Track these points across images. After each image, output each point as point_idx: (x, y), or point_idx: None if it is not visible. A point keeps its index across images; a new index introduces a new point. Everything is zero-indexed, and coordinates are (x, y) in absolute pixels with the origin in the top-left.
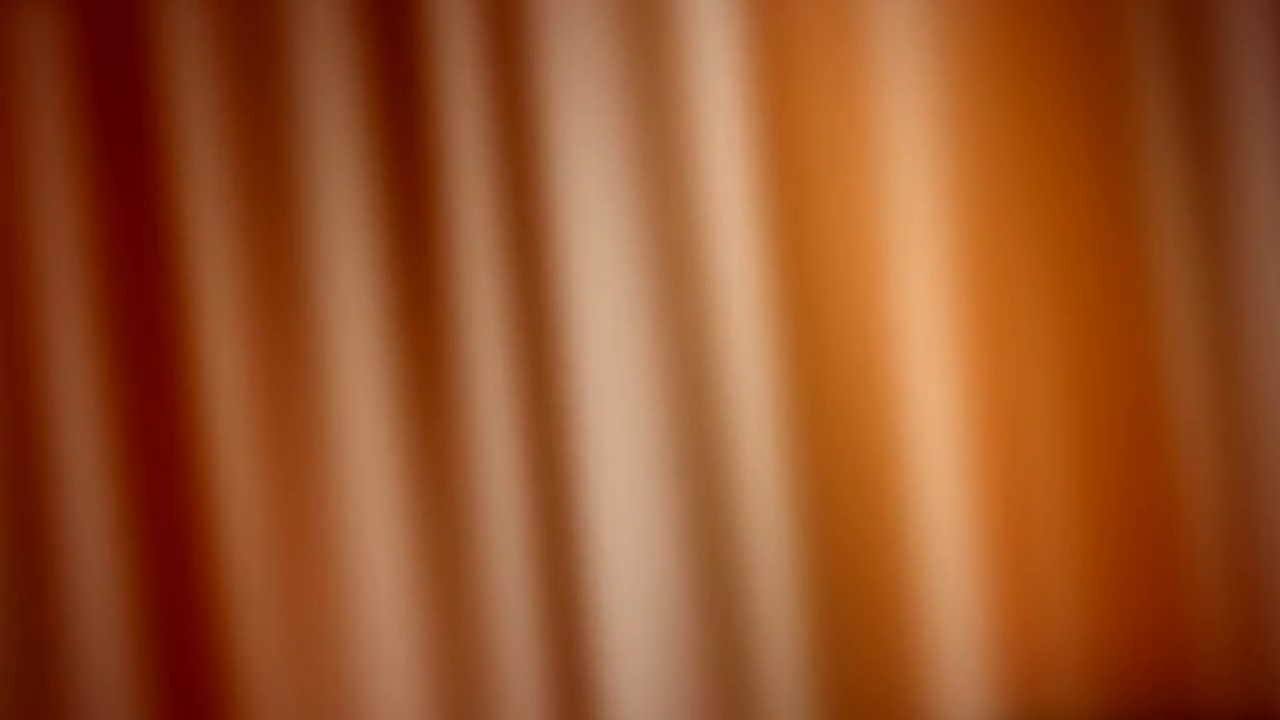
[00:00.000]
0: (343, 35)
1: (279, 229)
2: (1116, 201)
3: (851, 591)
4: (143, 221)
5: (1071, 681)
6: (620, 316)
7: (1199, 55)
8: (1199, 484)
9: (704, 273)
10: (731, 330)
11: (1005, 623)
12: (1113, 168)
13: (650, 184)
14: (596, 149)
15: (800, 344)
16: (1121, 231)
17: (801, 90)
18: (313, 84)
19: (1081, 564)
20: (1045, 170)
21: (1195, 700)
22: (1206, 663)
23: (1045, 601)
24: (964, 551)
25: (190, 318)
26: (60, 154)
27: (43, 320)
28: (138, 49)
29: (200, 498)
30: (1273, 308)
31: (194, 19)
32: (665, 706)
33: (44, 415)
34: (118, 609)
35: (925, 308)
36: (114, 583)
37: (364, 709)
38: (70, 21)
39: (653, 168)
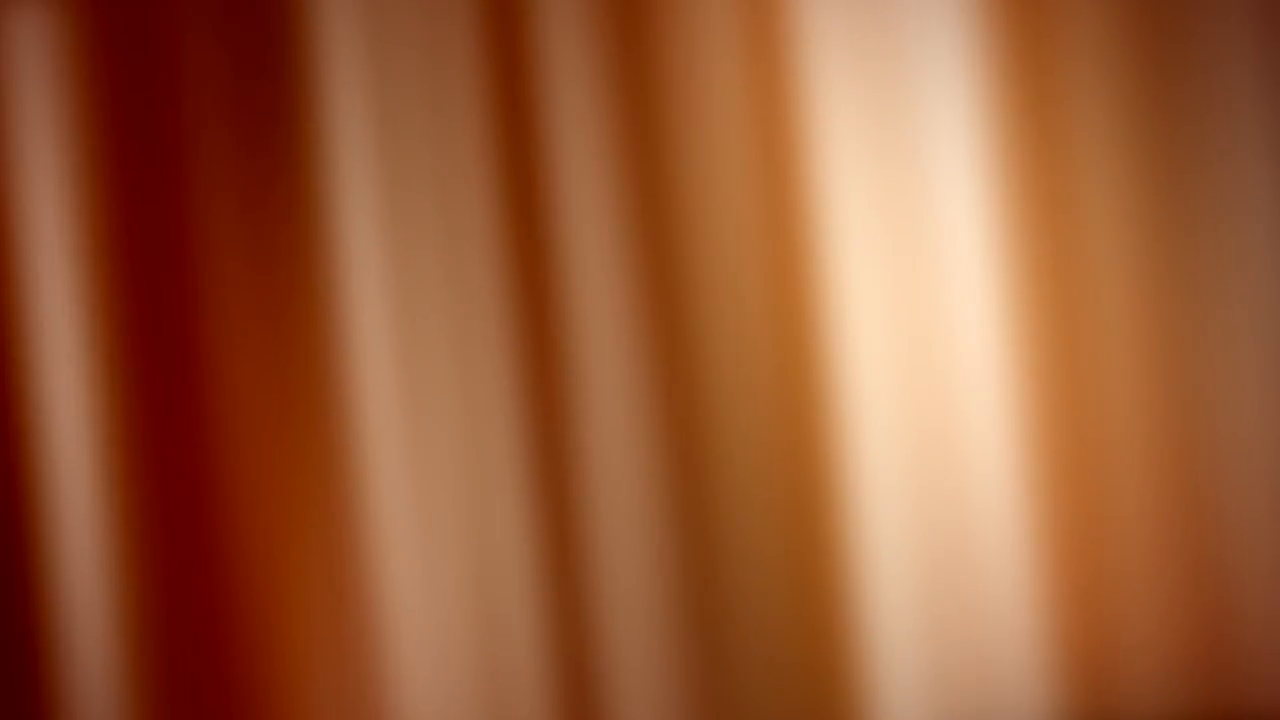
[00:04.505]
0: (357, 32)
1: (293, 223)
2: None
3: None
4: (154, 217)
5: (1135, 683)
6: (629, 320)
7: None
8: (1256, 480)
9: (715, 272)
10: (748, 331)
11: (1067, 622)
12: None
13: (655, 182)
14: (601, 147)
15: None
16: (1181, 228)
17: (816, 87)
18: (328, 81)
19: (1145, 563)
20: (1093, 167)
21: (1249, 702)
22: (1262, 664)
23: (1109, 602)
24: (1018, 552)
25: (203, 313)
26: (67, 151)
27: (49, 319)
28: (146, 42)
29: (212, 501)
30: None
31: (207, 11)
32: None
33: (50, 418)
34: (118, 618)
35: (970, 296)
36: (116, 590)
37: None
38: (75, 17)
39: (657, 167)
